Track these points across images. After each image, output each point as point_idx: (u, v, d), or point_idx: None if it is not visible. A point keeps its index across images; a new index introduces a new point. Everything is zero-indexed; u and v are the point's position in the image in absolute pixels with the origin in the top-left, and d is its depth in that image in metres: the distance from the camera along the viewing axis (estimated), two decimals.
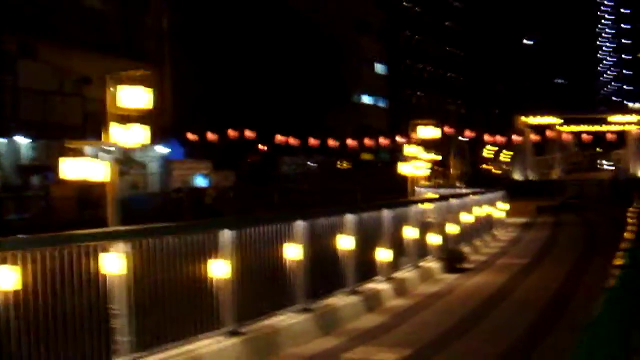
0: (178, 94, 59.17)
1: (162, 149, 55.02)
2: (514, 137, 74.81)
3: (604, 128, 79.89)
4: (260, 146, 78.08)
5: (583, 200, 60.89)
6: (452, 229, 24.59)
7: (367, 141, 75.64)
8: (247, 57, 75.83)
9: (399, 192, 58.87)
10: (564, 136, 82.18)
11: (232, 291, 12.57)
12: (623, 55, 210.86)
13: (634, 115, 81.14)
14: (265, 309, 13.61)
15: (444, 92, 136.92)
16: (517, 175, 78.82)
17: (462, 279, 21.75)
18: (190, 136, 62.31)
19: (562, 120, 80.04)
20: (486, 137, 79.46)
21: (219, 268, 12.33)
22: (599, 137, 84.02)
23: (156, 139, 54.99)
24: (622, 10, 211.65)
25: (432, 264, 22.38)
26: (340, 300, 16.03)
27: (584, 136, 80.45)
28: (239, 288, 12.74)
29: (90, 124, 48.85)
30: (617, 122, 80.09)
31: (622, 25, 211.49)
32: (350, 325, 15.43)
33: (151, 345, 11.01)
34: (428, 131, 35.13)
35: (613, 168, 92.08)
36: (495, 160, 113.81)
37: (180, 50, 61.87)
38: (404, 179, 40.11)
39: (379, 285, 18.10)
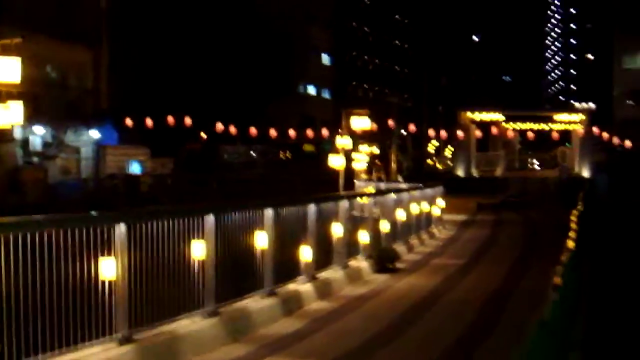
0: (116, 77, 57.34)
1: (95, 133, 53.19)
2: (458, 133, 73.39)
3: (549, 126, 78.98)
4: (201, 134, 76.37)
5: (525, 198, 60.00)
6: (385, 226, 23.24)
7: (310, 132, 74.07)
8: (190, 43, 74.06)
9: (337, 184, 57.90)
10: (508, 133, 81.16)
11: (126, 293, 11.15)
12: (570, 55, 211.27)
13: (579, 115, 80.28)
14: (165, 313, 12.18)
15: (389, 85, 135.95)
16: (459, 172, 77.57)
17: (393, 280, 20.48)
18: (127, 121, 60.34)
19: (504, 117, 79.08)
20: (430, 132, 77.97)
21: (109, 267, 10.89)
22: (543, 135, 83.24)
23: (90, 122, 53.37)
24: (570, 10, 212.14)
25: (362, 263, 21.06)
26: (254, 302, 14.64)
27: (528, 134, 79.35)
28: (135, 289, 11.33)
29: None
30: (563, 120, 79.28)
31: (571, 25, 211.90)
32: (263, 330, 14.05)
33: (21, 356, 9.58)
34: (362, 122, 33.35)
35: (539, 168, 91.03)
36: (439, 155, 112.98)
37: (120, 32, 59.96)
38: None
39: (301, 286, 16.73)
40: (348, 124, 32.74)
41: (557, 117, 79.89)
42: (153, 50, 69.36)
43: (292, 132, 74.68)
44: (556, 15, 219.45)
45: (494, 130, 76.12)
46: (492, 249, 28.20)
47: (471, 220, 41.70)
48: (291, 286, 16.36)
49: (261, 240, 14.95)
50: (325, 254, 18.53)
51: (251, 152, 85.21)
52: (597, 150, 79.20)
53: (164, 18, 71.39)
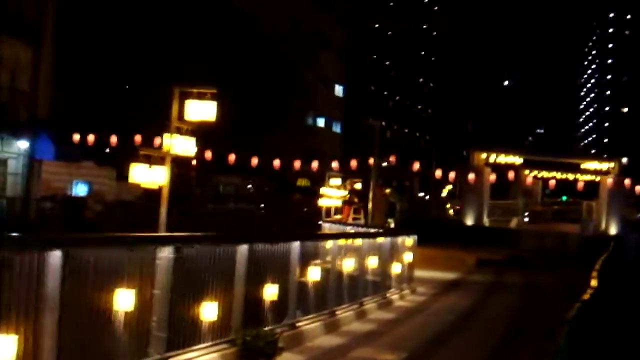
0: (61, 82, 48.89)
1: (24, 144, 44.47)
2: (469, 176, 62.71)
3: (575, 176, 69.01)
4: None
5: (539, 256, 50.79)
6: (271, 291, 14.21)
7: (298, 165, 64.94)
8: (166, 50, 64.73)
9: (312, 223, 49.37)
10: (529, 180, 71.28)
11: None
12: (605, 108, 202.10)
13: (609, 163, 69.94)
14: None
15: (410, 124, 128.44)
16: (468, 220, 67.74)
17: None
18: (77, 134, 51.41)
19: (522, 161, 69.30)
20: (438, 173, 66.50)
21: None
22: (568, 185, 73.74)
23: (21, 130, 44.64)
24: (607, 60, 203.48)
25: (210, 357, 12.19)
26: None
27: (551, 182, 69.13)
28: None
29: None
30: (590, 169, 69.52)
31: (606, 76, 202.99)
32: None
33: None
34: (204, 108, 20.68)
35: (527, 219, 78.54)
36: (453, 200, 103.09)
37: (75, 28, 51.63)
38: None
39: None
40: (182, 111, 20.92)
41: (585, 165, 70.18)
42: (117, 54, 60.16)
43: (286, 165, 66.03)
44: (593, 65, 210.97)
45: (511, 175, 65.49)
46: (463, 332, 19.04)
47: (460, 281, 32.44)
48: None
49: None
50: (103, 345, 9.78)
51: (249, 185, 77.86)
52: (628, 205, 69.88)
53: (138, 18, 62.15)
